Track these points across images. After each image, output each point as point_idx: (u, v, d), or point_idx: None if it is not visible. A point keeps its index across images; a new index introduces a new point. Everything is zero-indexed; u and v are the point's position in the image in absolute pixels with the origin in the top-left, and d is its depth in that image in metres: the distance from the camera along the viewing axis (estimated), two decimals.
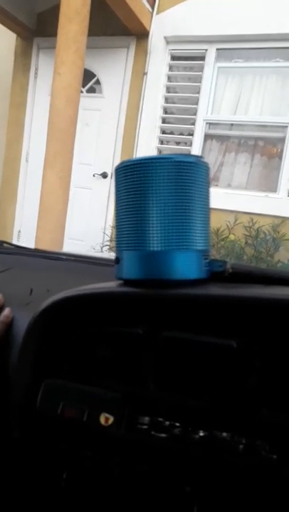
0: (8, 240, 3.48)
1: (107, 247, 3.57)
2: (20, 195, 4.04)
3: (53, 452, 0.42)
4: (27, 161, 3.98)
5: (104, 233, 3.68)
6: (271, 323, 0.40)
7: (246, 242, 3.15)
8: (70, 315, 0.43)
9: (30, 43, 3.87)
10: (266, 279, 0.45)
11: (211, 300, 0.40)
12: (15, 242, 4.09)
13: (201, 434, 0.42)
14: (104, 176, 3.71)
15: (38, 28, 3.82)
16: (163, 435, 0.40)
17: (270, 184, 3.31)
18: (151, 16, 3.40)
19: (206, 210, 0.44)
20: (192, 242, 0.41)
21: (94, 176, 3.73)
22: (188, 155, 0.42)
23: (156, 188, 0.41)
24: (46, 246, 2.82)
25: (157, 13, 3.41)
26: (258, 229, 3.13)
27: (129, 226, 0.43)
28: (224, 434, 0.42)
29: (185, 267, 0.41)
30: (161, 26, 3.40)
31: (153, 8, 3.40)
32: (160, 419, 0.43)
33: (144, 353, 0.42)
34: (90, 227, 3.75)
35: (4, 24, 3.68)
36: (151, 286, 0.41)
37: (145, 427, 0.41)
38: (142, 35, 3.44)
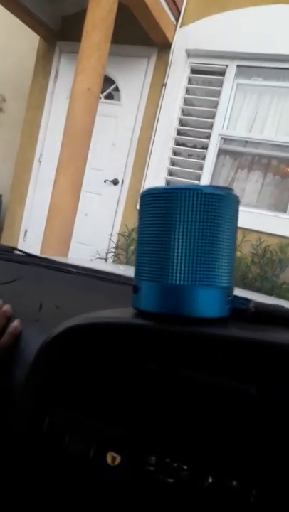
0: (14, 239, 3.47)
1: (112, 253, 3.55)
2: (30, 195, 4.04)
3: (55, 486, 0.40)
4: (40, 162, 3.99)
5: (110, 239, 3.67)
6: None
7: (252, 261, 3.13)
8: (82, 343, 0.41)
9: (52, 46, 3.90)
10: None
11: (231, 341, 0.38)
12: (21, 240, 4.09)
13: (210, 480, 0.40)
14: (115, 182, 3.70)
15: (61, 32, 3.85)
16: (170, 480, 0.38)
17: (280, 204, 3.30)
18: (175, 29, 3.42)
19: (233, 245, 0.42)
20: (217, 278, 0.40)
21: (105, 181, 3.73)
22: (219, 187, 0.41)
23: (183, 219, 0.39)
24: (53, 248, 2.81)
25: (181, 25, 3.43)
26: (265, 248, 3.11)
27: (151, 256, 0.41)
28: (234, 482, 0.40)
29: (208, 304, 0.39)
30: (183, 39, 3.42)
31: (177, 21, 3.42)
32: (168, 459, 0.41)
33: (156, 390, 0.40)
34: (97, 232, 3.75)
35: (29, 25, 3.71)
36: (170, 321, 0.40)
37: (152, 468, 0.39)
38: (164, 46, 3.46)
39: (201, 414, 0.40)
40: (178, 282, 0.39)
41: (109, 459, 0.38)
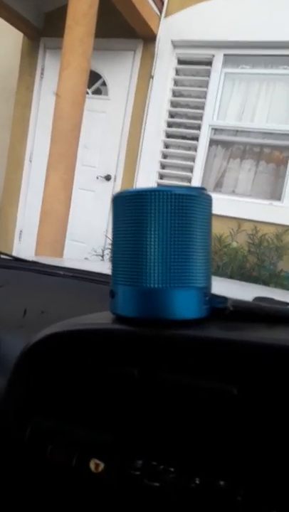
0: (10, 240, 3.46)
1: (109, 249, 3.55)
2: (23, 195, 4.02)
3: (37, 495, 0.40)
4: (30, 161, 3.96)
5: (106, 236, 3.67)
6: (273, 369, 0.37)
7: (249, 250, 3.13)
8: (62, 350, 0.41)
9: (36, 43, 3.86)
10: (269, 317, 0.43)
11: (211, 343, 0.38)
12: (16, 241, 4.08)
13: (197, 481, 0.40)
14: (107, 178, 3.69)
15: (45, 28, 3.81)
16: (156, 484, 0.38)
17: (274, 192, 3.29)
18: (159, 20, 3.38)
19: (208, 244, 0.41)
20: (193, 279, 0.39)
21: (97, 178, 3.71)
22: (191, 187, 0.40)
23: (155, 222, 0.39)
24: (48, 247, 2.80)
25: (165, 16, 3.39)
26: (261, 237, 3.10)
27: (125, 259, 0.40)
28: (221, 482, 0.40)
29: (185, 306, 0.39)
30: (168, 30, 3.38)
31: (161, 12, 3.38)
32: (154, 462, 0.41)
33: (137, 395, 0.40)
34: (92, 229, 3.73)
35: (12, 23, 3.66)
36: (148, 324, 0.39)
37: (138, 472, 0.39)
38: (149, 38, 3.42)
39: (184, 415, 0.40)
40: (153, 285, 0.39)
41: (92, 466, 0.38)
